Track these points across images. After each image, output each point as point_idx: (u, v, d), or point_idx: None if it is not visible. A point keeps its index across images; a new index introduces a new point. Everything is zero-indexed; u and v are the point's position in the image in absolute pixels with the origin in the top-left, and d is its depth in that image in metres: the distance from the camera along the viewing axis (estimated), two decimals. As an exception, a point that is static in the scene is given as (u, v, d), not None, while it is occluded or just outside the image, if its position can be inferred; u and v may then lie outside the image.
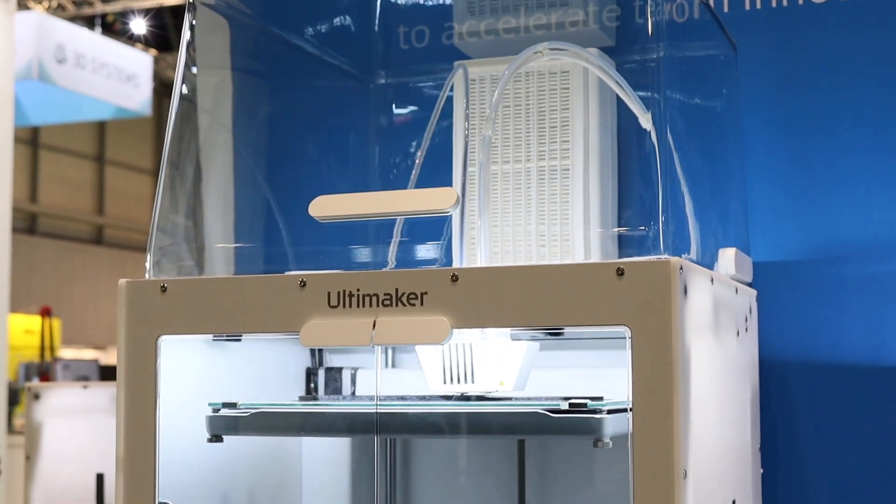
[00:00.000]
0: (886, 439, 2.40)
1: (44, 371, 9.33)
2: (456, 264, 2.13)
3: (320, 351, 2.49)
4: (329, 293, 1.87)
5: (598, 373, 2.24)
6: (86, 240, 18.68)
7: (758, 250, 2.47)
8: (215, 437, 2.08)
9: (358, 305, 1.86)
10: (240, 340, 2.22)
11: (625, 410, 1.74)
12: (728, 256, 2.22)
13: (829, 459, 2.43)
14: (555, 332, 2.12)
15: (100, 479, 3.37)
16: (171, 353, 2.01)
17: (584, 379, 2.22)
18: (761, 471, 2.38)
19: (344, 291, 1.87)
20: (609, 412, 1.87)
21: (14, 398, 7.83)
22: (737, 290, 2.16)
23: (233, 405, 2.08)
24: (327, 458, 2.46)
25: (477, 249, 2.02)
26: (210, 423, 2.08)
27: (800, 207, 2.48)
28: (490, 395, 2.08)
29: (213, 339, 2.19)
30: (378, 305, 1.85)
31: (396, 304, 1.84)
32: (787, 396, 2.46)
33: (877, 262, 2.43)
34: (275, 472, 2.40)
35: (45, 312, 10.40)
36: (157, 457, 1.97)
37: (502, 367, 2.07)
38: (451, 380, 2.07)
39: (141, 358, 1.99)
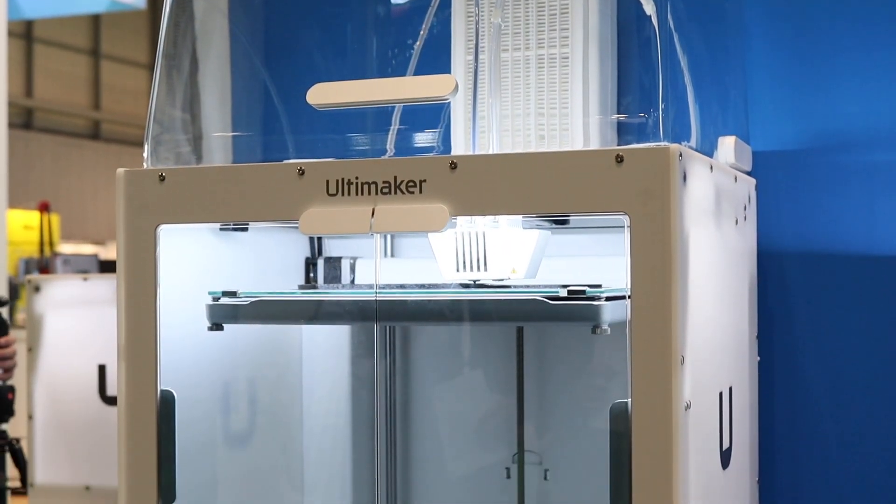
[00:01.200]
0: (882, 328, 2.42)
1: (44, 266, 9.36)
2: (455, 152, 2.12)
3: (319, 241, 2.50)
4: (328, 181, 1.87)
5: (597, 261, 2.25)
6: (82, 135, 18.60)
7: (757, 139, 2.47)
8: (215, 326, 2.10)
9: (357, 193, 1.86)
10: (246, 230, 2.23)
11: (623, 298, 1.75)
12: (727, 145, 2.21)
13: (824, 348, 2.45)
14: (560, 221, 2.13)
15: (101, 369, 3.40)
16: (170, 242, 2.01)
17: (584, 268, 2.23)
18: (758, 359, 2.40)
19: (343, 180, 1.87)
20: (607, 299, 1.88)
21: (15, 293, 7.86)
22: (736, 179, 2.16)
23: (232, 294, 2.09)
24: (327, 347, 2.48)
25: (486, 137, 2.02)
26: (210, 311, 2.09)
27: (799, 97, 2.47)
28: (501, 283, 2.09)
29: (220, 229, 2.20)
30: (377, 193, 1.85)
31: (395, 192, 1.84)
32: (784, 285, 2.47)
33: (876, 151, 2.43)
34: (275, 362, 2.42)
35: (44, 208, 10.40)
36: (158, 346, 1.99)
37: (514, 254, 2.07)
38: (464, 268, 2.08)
39: (140, 247, 1.99)
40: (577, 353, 2.39)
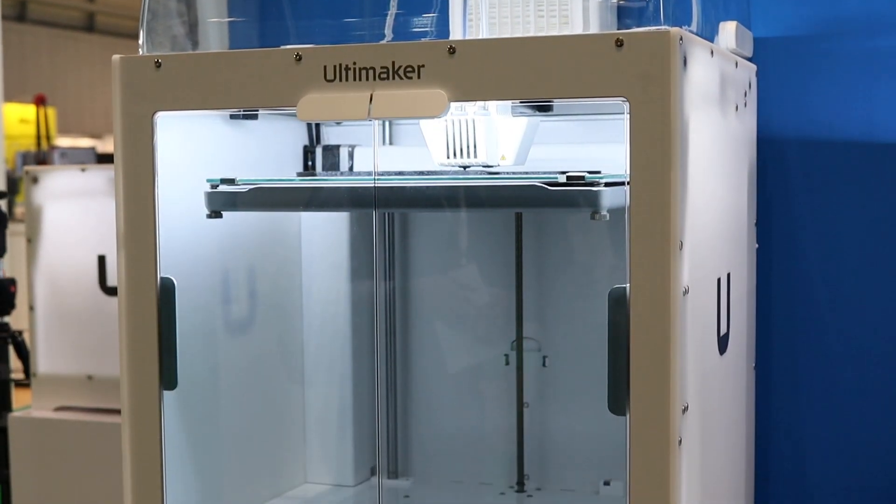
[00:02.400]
0: (881, 215, 2.42)
1: (41, 160, 9.33)
2: (454, 37, 2.10)
3: (317, 129, 2.48)
4: (325, 67, 1.86)
5: (596, 149, 2.24)
6: (77, 27, 18.41)
7: (758, 25, 2.44)
8: (214, 214, 2.09)
9: (355, 79, 1.85)
10: (256, 118, 2.22)
11: (622, 184, 1.75)
12: (728, 30, 2.19)
13: (823, 235, 2.45)
14: (544, 108, 2.12)
15: (101, 260, 3.41)
16: (167, 130, 2.00)
17: (583, 156, 2.22)
18: (756, 246, 2.40)
19: (340, 65, 1.85)
20: (607, 185, 1.88)
21: (13, 187, 7.84)
22: (736, 64, 2.14)
23: (231, 181, 2.08)
24: (326, 236, 2.48)
25: (484, 21, 2.00)
26: (209, 199, 2.08)
27: (802, -19, 2.44)
28: (491, 169, 2.09)
29: (230, 118, 2.19)
30: (375, 79, 1.84)
31: (393, 78, 1.82)
32: (783, 173, 2.46)
33: (877, 37, 2.41)
34: (274, 251, 2.42)
35: (40, 101, 10.33)
36: (158, 234, 1.99)
37: (503, 141, 2.07)
38: (455, 154, 2.08)
39: (137, 135, 1.98)
40: (575, 240, 2.39)
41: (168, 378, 2.01)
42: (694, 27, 2.01)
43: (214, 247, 2.20)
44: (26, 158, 9.61)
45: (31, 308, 3.50)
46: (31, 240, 3.49)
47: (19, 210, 7.79)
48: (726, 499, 2.16)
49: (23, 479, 3.45)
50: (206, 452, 2.19)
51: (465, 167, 2.09)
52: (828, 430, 2.46)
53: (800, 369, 2.47)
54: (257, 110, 2.14)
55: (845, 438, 2.46)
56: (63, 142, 13.39)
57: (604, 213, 1.87)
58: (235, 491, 2.28)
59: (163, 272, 2.00)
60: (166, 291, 1.99)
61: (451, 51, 1.78)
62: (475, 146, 2.06)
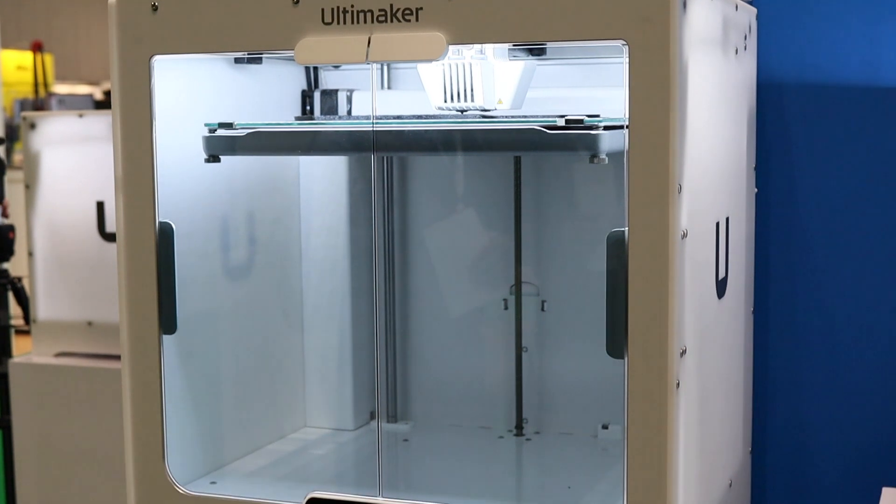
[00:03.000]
0: (880, 159, 2.42)
1: (38, 107, 9.29)
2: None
3: (315, 73, 2.47)
4: (323, 10, 1.85)
5: (596, 93, 2.23)
6: (73, -27, 18.27)
7: (759, -32, 2.43)
8: (212, 158, 2.09)
9: (352, 22, 1.84)
10: (260, 62, 2.21)
11: (621, 127, 1.74)
12: (729, -28, 2.18)
13: (822, 179, 2.45)
14: (538, 52, 2.11)
15: (100, 206, 3.41)
16: (164, 75, 2.00)
17: (583, 100, 2.21)
18: (755, 190, 2.40)
19: (338, 8, 1.84)
20: (605, 128, 1.87)
21: (11, 135, 7.82)
22: (736, 7, 2.13)
23: (229, 125, 2.07)
24: (324, 181, 2.48)
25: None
26: (207, 143, 2.08)
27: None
28: (488, 113, 2.08)
29: (234, 62, 2.18)
30: (373, 22, 1.83)
31: (391, 20, 1.82)
32: (782, 117, 2.46)
33: (878, -22, 2.40)
34: (272, 196, 2.42)
35: (37, 47, 10.27)
36: (156, 178, 1.99)
37: (500, 85, 2.07)
38: (452, 98, 2.07)
39: (134, 79, 1.98)
40: (574, 184, 2.39)
41: (167, 322, 2.01)
42: (694, -31, 1.99)
43: (213, 192, 2.20)
44: (24, 106, 9.58)
45: (31, 254, 3.50)
46: (30, 186, 3.49)
47: (18, 157, 7.77)
48: (724, 441, 2.18)
49: (24, 424, 3.47)
50: (206, 397, 2.20)
51: (462, 111, 2.08)
52: (825, 373, 2.47)
53: (798, 313, 2.48)
54: (258, 54, 2.13)
55: (843, 382, 2.47)
56: (61, 89, 13.33)
57: (602, 156, 1.86)
58: (235, 435, 2.29)
59: (161, 217, 2.00)
60: (165, 236, 1.99)
61: (450, -7, 1.77)
62: (472, 90, 2.06)
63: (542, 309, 2.44)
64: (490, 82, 2.06)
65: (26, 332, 3.62)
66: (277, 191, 2.43)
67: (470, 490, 2.15)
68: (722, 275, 2.06)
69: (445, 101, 2.08)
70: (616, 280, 1.75)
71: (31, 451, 3.46)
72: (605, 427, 2.41)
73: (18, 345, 3.82)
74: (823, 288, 2.46)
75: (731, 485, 2.23)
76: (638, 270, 1.73)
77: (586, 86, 2.30)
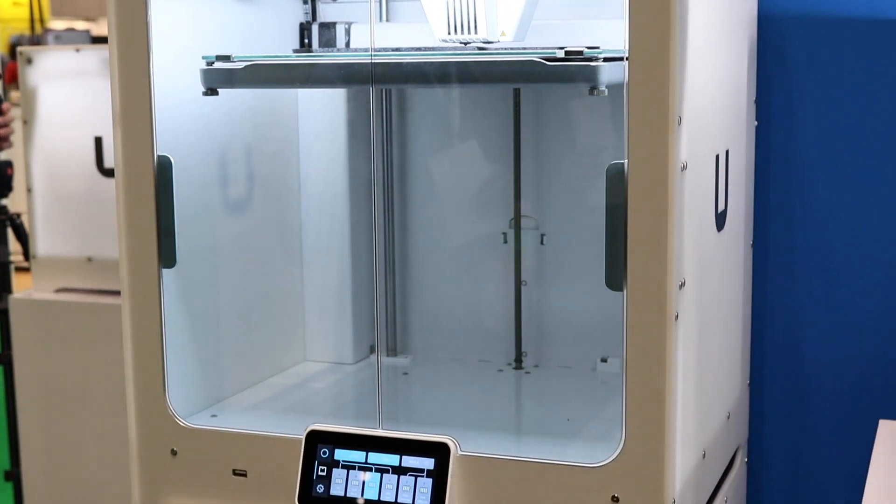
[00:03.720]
0: (881, 92, 2.41)
1: (35, 42, 9.24)
2: None
3: (314, 6, 2.46)
4: (320, -60, 1.83)
5: (596, 25, 2.22)
6: None
7: None
8: (210, 91, 2.07)
9: (351, -48, 1.82)
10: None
11: (621, 59, 1.73)
12: None
13: (823, 113, 2.44)
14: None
15: (98, 142, 3.40)
16: (162, 7, 1.98)
17: (583, 31, 2.20)
18: (755, 123, 2.39)
19: (336, -63, 1.83)
20: (605, 60, 1.86)
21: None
22: (738, -62, 2.11)
23: (227, 58, 2.06)
24: (323, 114, 2.47)
25: None
26: (204, 76, 2.06)
27: None
28: (491, 45, 2.06)
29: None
30: (371, -48, 1.81)
31: (390, -49, 1.80)
32: (783, 49, 2.44)
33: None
34: (271, 129, 2.41)
35: (33, -18, 10.20)
36: (154, 112, 1.98)
37: (503, 16, 2.04)
38: (455, 30, 2.05)
39: (131, 10, 1.96)
40: (574, 117, 2.38)
41: (167, 256, 2.01)
42: None
43: (211, 124, 2.19)
44: (20, 42, 9.53)
45: (29, 190, 3.50)
46: (27, 121, 3.47)
47: (15, 94, 7.73)
48: (722, 374, 2.19)
49: (25, 360, 3.48)
50: (206, 331, 2.20)
51: (465, 43, 2.07)
52: (824, 306, 2.48)
53: (797, 246, 2.48)
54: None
55: (841, 315, 2.47)
56: (57, 25, 13.24)
57: (602, 88, 1.85)
58: (236, 369, 2.30)
59: (159, 151, 1.99)
60: (163, 169, 1.99)
61: (449, -78, 1.76)
62: (475, 21, 2.03)
63: (542, 243, 2.44)
64: (493, 13, 2.04)
65: (26, 270, 3.62)
66: (276, 125, 2.42)
67: (469, 422, 2.16)
68: (721, 207, 2.06)
69: (449, 34, 2.06)
70: (615, 212, 1.75)
71: (32, 387, 3.47)
72: (603, 360, 2.42)
73: (18, 283, 3.82)
74: (823, 221, 2.46)
75: (729, 416, 2.24)
76: (637, 202, 1.73)
77: (587, 17, 2.28)
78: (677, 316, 1.74)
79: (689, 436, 1.85)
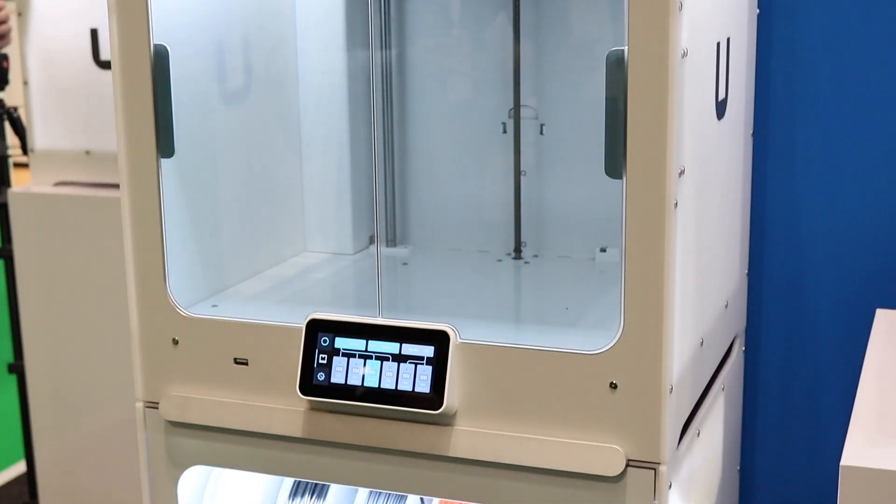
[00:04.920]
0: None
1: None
2: None
3: None
4: None
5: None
6: None
7: None
8: (205, -22, 2.05)
9: None
10: None
11: (622, -57, 1.71)
12: None
13: (824, 0, 2.41)
14: None
15: (94, 34, 3.37)
16: None
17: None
18: (757, 11, 2.37)
19: None
20: (605, -55, 1.84)
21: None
22: None
23: (222, -55, 2.03)
24: (321, 2, 2.44)
25: None
26: (200, -37, 2.04)
27: None
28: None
29: None
30: None
31: None
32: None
33: None
34: (268, 19, 2.39)
35: None
36: (149, 0, 1.96)
37: None
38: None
39: None
40: (573, 5, 2.36)
41: (165, 146, 2.01)
42: None
43: (208, 17, 2.17)
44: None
45: (26, 83, 3.47)
46: (22, 13, 3.44)
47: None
48: (721, 263, 2.19)
49: (25, 254, 3.49)
50: (206, 222, 2.20)
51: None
52: (823, 195, 2.47)
53: (797, 137, 2.47)
54: None
55: (840, 204, 2.47)
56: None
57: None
58: (236, 260, 2.30)
59: (155, 39, 1.97)
60: (160, 58, 1.97)
61: None
62: None
63: (541, 132, 2.43)
64: None
65: (24, 166, 3.61)
66: (273, 14, 2.40)
67: (469, 311, 2.17)
68: (722, 96, 2.05)
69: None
70: (615, 100, 1.74)
71: (33, 281, 3.49)
72: (602, 250, 2.42)
73: (17, 178, 3.81)
74: (823, 110, 2.44)
75: (727, 305, 2.25)
76: (637, 90, 1.72)
77: None
78: (676, 204, 1.74)
79: (687, 324, 1.87)
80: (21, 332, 3.53)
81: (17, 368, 3.57)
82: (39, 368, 3.52)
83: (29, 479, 3.62)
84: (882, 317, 2.26)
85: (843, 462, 1.62)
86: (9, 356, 3.59)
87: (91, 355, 3.43)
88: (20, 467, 4.58)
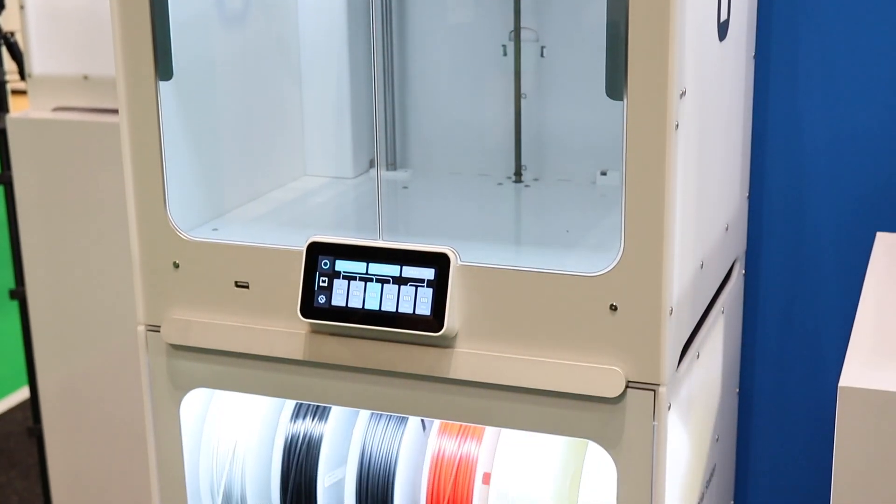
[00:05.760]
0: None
1: None
2: None
3: None
4: None
5: None
6: None
7: None
8: None
9: None
10: None
11: None
12: None
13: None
14: None
15: (90, -43, 3.33)
16: None
17: None
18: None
19: None
20: None
21: None
22: None
23: None
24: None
25: None
26: None
27: None
28: None
29: None
30: None
31: None
32: None
33: None
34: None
35: None
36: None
37: None
38: None
39: None
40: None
41: (164, 68, 2.00)
42: None
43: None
44: None
45: (22, 7, 3.44)
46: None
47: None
48: (722, 185, 2.19)
49: (24, 180, 3.48)
50: (206, 146, 2.19)
51: None
52: (824, 118, 2.46)
53: (799, 59, 2.45)
54: None
55: (841, 127, 2.46)
56: None
57: None
58: (236, 183, 2.30)
59: (152, -41, 1.96)
60: (157, -21, 1.96)
61: None
62: None
63: (542, 55, 2.41)
64: None
65: (23, 93, 3.59)
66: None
67: (469, 234, 2.17)
68: (724, 17, 2.03)
69: None
70: (616, 21, 1.73)
71: (33, 207, 3.48)
72: (603, 174, 2.41)
73: (16, 105, 3.79)
74: (826, 33, 2.43)
75: (727, 228, 2.25)
76: (638, 10, 1.70)
77: None
78: (677, 125, 1.74)
79: (687, 246, 1.87)
80: (22, 259, 3.53)
81: (18, 294, 3.58)
82: (41, 294, 3.53)
83: (32, 405, 3.64)
84: (882, 240, 2.26)
85: (841, 383, 1.62)
86: (10, 282, 3.60)
87: (92, 280, 3.43)
88: (24, 393, 4.61)
